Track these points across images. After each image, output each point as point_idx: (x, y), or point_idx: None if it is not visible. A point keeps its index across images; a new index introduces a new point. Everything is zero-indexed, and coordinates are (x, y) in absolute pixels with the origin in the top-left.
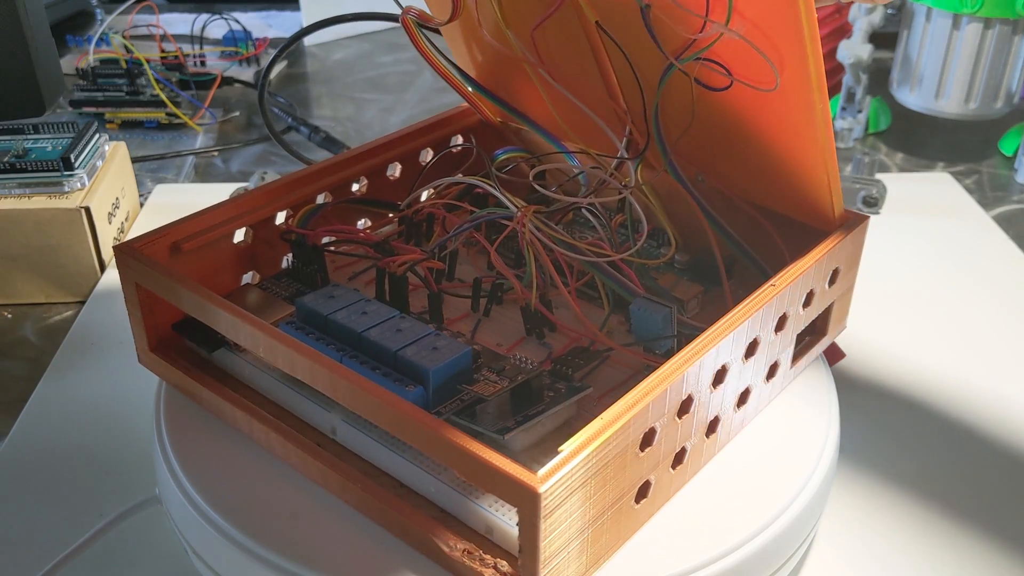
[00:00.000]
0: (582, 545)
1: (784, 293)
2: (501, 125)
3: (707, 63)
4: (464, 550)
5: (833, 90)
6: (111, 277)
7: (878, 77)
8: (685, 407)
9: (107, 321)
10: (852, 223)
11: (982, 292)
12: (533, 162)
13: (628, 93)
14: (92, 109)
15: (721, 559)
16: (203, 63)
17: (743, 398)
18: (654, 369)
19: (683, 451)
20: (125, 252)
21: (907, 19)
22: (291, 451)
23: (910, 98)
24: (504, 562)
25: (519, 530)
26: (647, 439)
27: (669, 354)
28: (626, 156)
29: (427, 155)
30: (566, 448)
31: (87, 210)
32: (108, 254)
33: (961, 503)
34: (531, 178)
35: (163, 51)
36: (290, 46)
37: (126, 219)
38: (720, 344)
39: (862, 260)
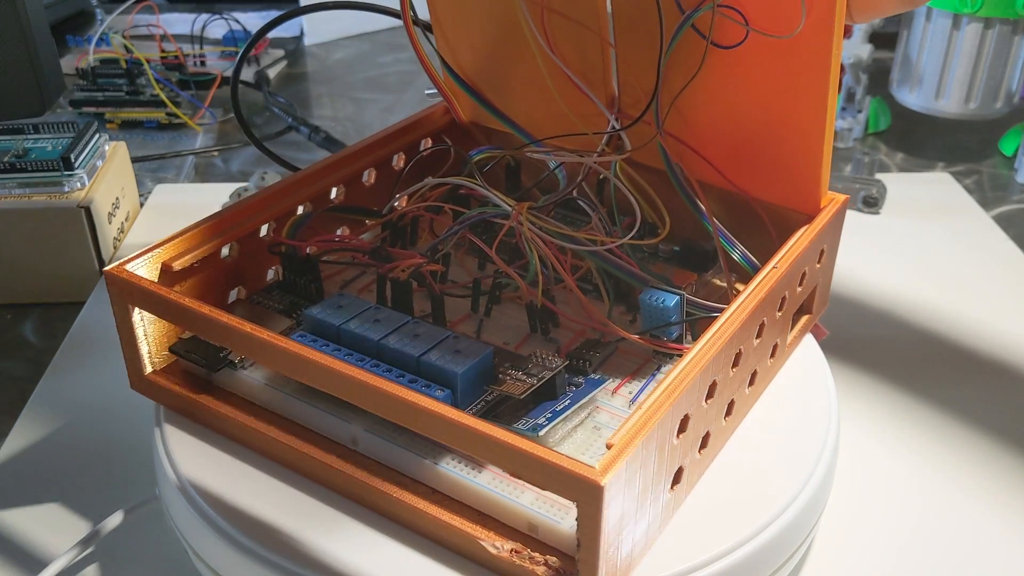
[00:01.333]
0: (631, 534)
1: (785, 275)
2: (470, 125)
3: (723, 11)
4: (511, 550)
5: None
6: None
7: (878, 77)
8: (711, 391)
9: (107, 321)
10: (834, 203)
11: (982, 292)
12: (508, 160)
13: (627, 61)
14: (92, 109)
15: (721, 559)
16: (203, 63)
17: (752, 379)
18: (664, 356)
19: (708, 435)
20: (120, 276)
21: (907, 19)
22: (314, 464)
23: (910, 98)
24: (554, 558)
25: (579, 524)
26: (683, 425)
27: (679, 340)
28: (617, 127)
29: (400, 159)
30: (617, 440)
31: (87, 210)
32: (108, 254)
33: (961, 504)
34: (507, 170)
35: (163, 51)
36: (275, 26)
37: (126, 219)
38: (740, 328)
39: (861, 261)
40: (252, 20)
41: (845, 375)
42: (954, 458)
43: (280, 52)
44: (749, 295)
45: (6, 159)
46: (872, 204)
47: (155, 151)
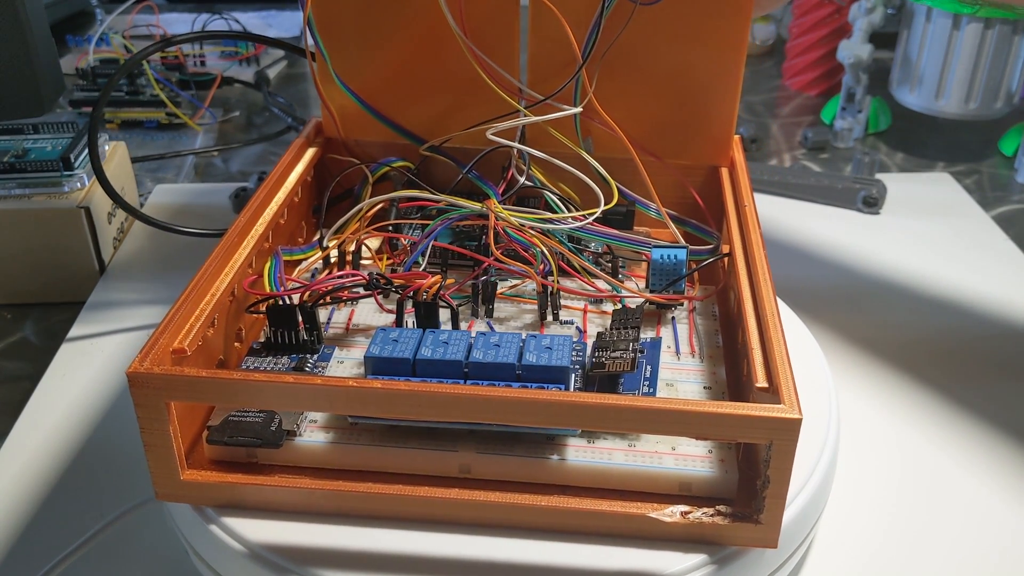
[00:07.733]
0: None
1: (754, 209)
2: (349, 141)
3: None
4: (681, 512)
5: (833, 90)
6: (111, 277)
7: (878, 77)
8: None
9: (107, 321)
10: (737, 146)
11: (982, 292)
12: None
13: (540, 45)
14: (92, 109)
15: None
16: (203, 63)
17: None
18: (667, 307)
19: None
20: (154, 374)
21: (907, 19)
22: (430, 503)
23: (910, 98)
24: (722, 507)
25: (771, 463)
26: None
27: (681, 292)
28: (539, 98)
29: (298, 194)
30: (763, 382)
31: (87, 210)
32: (108, 254)
33: (963, 504)
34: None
35: (163, 51)
36: (120, 75)
37: (126, 219)
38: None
39: (860, 259)
40: (252, 20)
41: (845, 375)
42: (956, 460)
43: (280, 52)
44: (750, 231)
45: (6, 159)
46: (872, 204)
47: (155, 151)
